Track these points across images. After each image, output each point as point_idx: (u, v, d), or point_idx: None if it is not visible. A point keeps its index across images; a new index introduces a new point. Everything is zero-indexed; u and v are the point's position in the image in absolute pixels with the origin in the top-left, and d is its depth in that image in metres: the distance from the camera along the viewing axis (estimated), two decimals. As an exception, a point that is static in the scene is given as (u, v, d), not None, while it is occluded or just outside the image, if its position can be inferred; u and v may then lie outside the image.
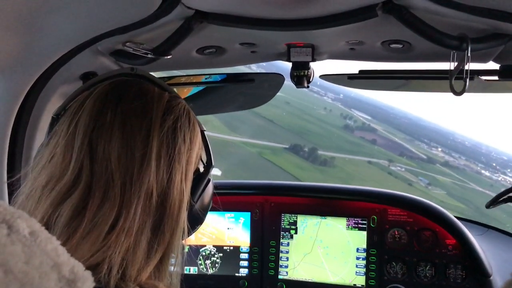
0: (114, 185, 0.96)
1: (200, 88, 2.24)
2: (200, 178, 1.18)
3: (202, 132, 1.19)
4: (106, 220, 0.94)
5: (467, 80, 1.40)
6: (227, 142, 57.86)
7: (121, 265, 0.94)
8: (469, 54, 1.34)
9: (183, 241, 1.13)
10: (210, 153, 1.22)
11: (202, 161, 1.21)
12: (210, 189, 1.24)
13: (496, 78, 1.63)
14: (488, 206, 2.48)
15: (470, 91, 1.46)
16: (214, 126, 60.62)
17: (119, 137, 0.99)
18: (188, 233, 1.12)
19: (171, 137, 1.05)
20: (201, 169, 1.21)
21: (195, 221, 1.19)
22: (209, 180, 1.22)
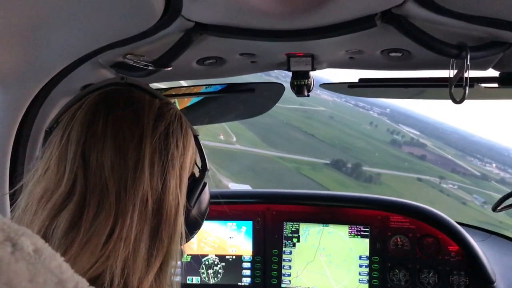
0: (109, 194, 0.96)
1: (200, 98, 2.24)
2: (195, 183, 1.18)
3: (196, 136, 1.18)
4: (103, 229, 0.94)
5: (467, 88, 1.40)
6: (262, 156, 56.87)
7: (122, 275, 0.94)
8: (468, 62, 1.34)
9: (182, 247, 1.13)
10: (205, 157, 1.22)
11: (197, 166, 1.21)
12: (206, 193, 1.24)
13: (495, 85, 1.64)
14: (495, 209, 2.40)
15: (469, 98, 1.46)
16: (248, 140, 60.87)
17: (111, 146, 0.99)
18: (186, 238, 1.12)
19: (164, 143, 1.05)
20: (197, 174, 1.22)
21: (193, 225, 1.19)
22: (205, 184, 1.22)
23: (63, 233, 0.94)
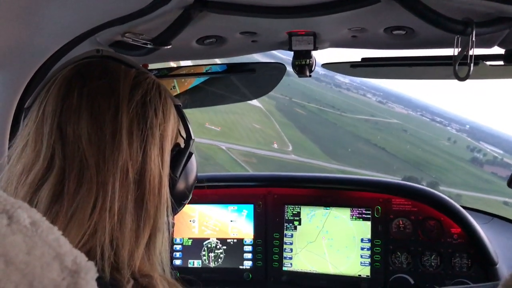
0: (88, 166, 0.96)
1: (201, 80, 2.22)
2: (180, 153, 1.16)
3: (177, 106, 1.16)
4: (86, 201, 0.94)
5: (471, 65, 1.38)
6: (321, 169, 49.77)
7: (111, 248, 0.93)
8: (473, 39, 1.32)
9: (171, 218, 1.13)
10: (189, 127, 1.19)
11: (182, 136, 1.19)
12: (193, 163, 1.22)
13: (501, 63, 1.61)
14: (509, 183, 2.29)
15: (474, 77, 1.45)
16: (306, 150, 57.15)
17: (87, 117, 0.98)
18: (174, 209, 1.12)
19: (141, 111, 1.03)
20: (183, 145, 1.20)
21: (180, 196, 1.18)
22: (191, 154, 1.20)
23: (46, 208, 0.94)
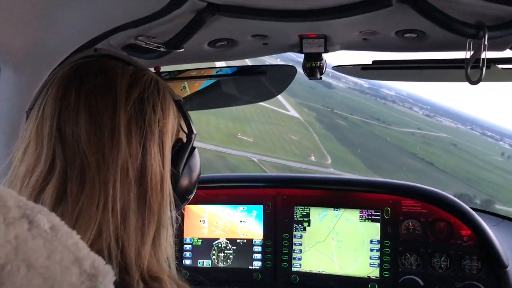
0: (89, 166, 0.96)
1: (211, 81, 2.23)
2: (182, 148, 1.16)
3: (178, 101, 1.16)
4: (90, 201, 0.94)
5: (484, 68, 1.37)
6: None
7: (117, 247, 0.94)
8: (486, 42, 1.31)
9: (176, 213, 1.13)
10: (189, 122, 1.19)
11: (184, 131, 1.19)
12: (196, 158, 1.21)
13: None
14: None
15: (486, 80, 1.44)
16: (346, 163, 54.31)
17: (85, 117, 0.98)
18: (177, 205, 1.12)
19: (139, 108, 1.03)
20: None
21: (184, 191, 1.18)
22: (193, 149, 1.19)
23: (51, 209, 0.92)
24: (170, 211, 1.08)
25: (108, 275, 0.62)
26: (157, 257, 1.04)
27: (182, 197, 1.16)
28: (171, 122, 1.12)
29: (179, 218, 1.18)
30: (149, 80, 1.08)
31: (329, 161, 51.60)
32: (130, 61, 1.14)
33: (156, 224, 1.03)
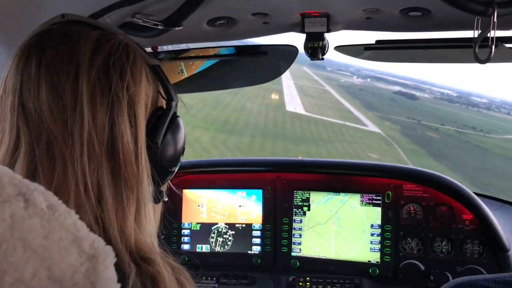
0: (56, 141, 0.89)
1: (211, 62, 2.19)
2: (161, 117, 1.06)
3: (154, 66, 1.06)
4: (64, 180, 0.88)
5: (493, 47, 1.33)
6: None
7: (98, 226, 0.89)
8: (495, 20, 1.27)
9: (162, 188, 1.08)
10: (168, 88, 1.09)
11: (164, 98, 1.09)
12: (178, 127, 1.12)
13: None
14: None
15: (495, 60, 1.40)
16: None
17: (47, 89, 0.91)
18: (161, 178, 1.06)
19: (104, 77, 0.94)
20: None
21: (167, 163, 1.09)
22: (174, 117, 1.10)
23: None
24: (151, 185, 1.01)
25: (108, 256, 0.60)
26: (144, 234, 0.98)
27: (164, 170, 1.08)
28: (145, 89, 1.02)
29: (164, 194, 1.11)
30: (116, 45, 0.99)
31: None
32: (98, 25, 1.04)
33: (136, 198, 0.96)
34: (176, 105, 1.11)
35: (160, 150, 1.05)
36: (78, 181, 0.88)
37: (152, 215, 1.03)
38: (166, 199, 1.15)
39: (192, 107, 45.09)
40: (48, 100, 0.91)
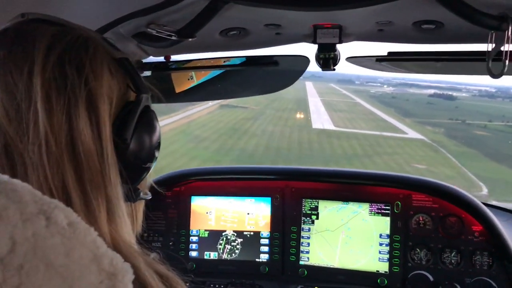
0: (14, 144, 0.86)
1: (221, 71, 2.19)
2: (129, 111, 1.00)
3: (121, 59, 1.01)
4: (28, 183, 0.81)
5: (506, 62, 1.33)
6: None
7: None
8: (509, 34, 1.27)
9: (140, 187, 1.04)
10: (136, 81, 1.03)
11: (133, 91, 1.03)
12: (150, 121, 1.06)
13: None
14: None
15: (508, 73, 1.40)
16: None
17: (1, 90, 0.88)
18: (135, 176, 1.02)
19: (59, 73, 0.90)
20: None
21: (140, 159, 1.03)
22: (146, 111, 1.04)
23: None
24: (124, 183, 0.97)
25: (127, 273, 0.61)
26: (120, 234, 0.93)
27: (137, 167, 1.03)
28: (107, 83, 0.97)
29: (141, 192, 1.06)
30: (73, 39, 0.95)
31: (485, 190, 32.18)
32: (57, 21, 0.99)
33: (106, 198, 0.91)
34: (148, 99, 1.05)
35: (131, 146, 1.00)
36: (42, 186, 0.85)
37: (125, 215, 0.97)
38: (150, 197, 1.09)
39: (204, 140, 43.19)
40: (3, 101, 0.88)
